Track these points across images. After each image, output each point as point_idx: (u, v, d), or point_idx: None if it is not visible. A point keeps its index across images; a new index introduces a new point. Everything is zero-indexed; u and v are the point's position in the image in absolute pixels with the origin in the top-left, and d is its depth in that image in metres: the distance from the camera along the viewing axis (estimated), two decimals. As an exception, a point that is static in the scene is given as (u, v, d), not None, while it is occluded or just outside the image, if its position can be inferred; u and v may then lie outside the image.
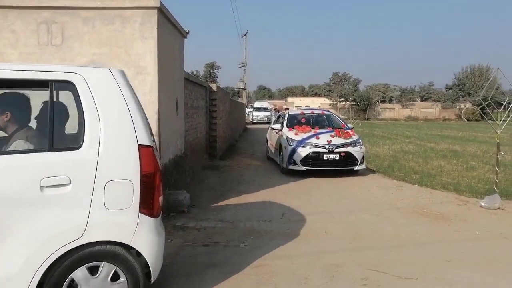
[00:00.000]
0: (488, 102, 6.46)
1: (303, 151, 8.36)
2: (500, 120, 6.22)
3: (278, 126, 9.85)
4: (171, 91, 5.60)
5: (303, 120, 9.73)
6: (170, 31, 5.51)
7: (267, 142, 11.36)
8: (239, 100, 34.78)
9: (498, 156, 6.31)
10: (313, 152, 8.34)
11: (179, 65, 6.15)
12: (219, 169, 9.16)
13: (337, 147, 8.36)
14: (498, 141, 6.24)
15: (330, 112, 11.12)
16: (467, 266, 3.74)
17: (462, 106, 45.43)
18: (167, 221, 4.90)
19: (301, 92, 79.57)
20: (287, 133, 9.00)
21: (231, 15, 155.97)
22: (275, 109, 33.27)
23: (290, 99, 59.77)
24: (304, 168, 8.31)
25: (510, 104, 6.21)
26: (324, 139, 8.54)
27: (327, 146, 8.35)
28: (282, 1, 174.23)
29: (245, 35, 44.64)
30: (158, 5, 4.69)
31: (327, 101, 52.35)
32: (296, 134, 8.84)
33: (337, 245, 4.24)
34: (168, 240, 4.25)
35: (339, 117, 11.13)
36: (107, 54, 4.78)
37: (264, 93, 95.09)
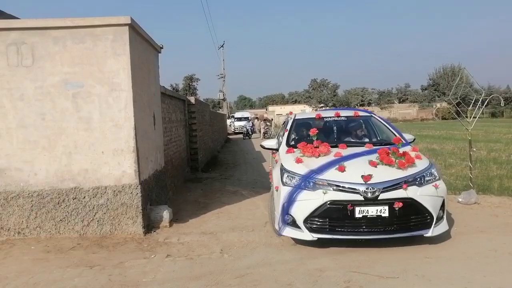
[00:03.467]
0: (458, 101, 6.68)
1: (310, 200, 4.19)
2: (471, 118, 6.42)
3: (272, 143, 5.82)
4: (148, 106, 5.59)
5: (315, 132, 5.24)
6: (143, 47, 5.52)
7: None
8: (220, 111, 34.83)
9: (471, 153, 6.50)
10: (332, 203, 4.12)
11: (154, 80, 6.15)
12: (202, 181, 9.13)
13: (386, 190, 4.11)
14: (469, 138, 6.44)
15: (370, 113, 6.15)
16: (445, 262, 3.83)
17: (438, 105, 46.62)
18: (150, 237, 4.86)
19: (281, 100, 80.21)
20: (283, 158, 4.96)
21: (207, 27, 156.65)
22: (256, 118, 31.81)
23: (271, 108, 60.17)
24: (314, 236, 4.20)
25: (478, 102, 6.43)
26: (357, 171, 4.28)
27: (362, 188, 4.10)
28: (257, 11, 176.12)
29: (222, 46, 44.94)
30: (129, 22, 4.71)
31: (307, 107, 52.82)
32: (298, 160, 4.66)
33: (320, 251, 4.28)
34: (151, 256, 4.22)
35: (386, 122, 5.89)
36: (79, 73, 4.75)
37: (244, 102, 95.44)
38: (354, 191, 4.13)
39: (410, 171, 4.34)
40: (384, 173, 4.27)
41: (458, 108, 6.93)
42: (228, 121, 35.04)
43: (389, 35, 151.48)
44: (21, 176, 4.80)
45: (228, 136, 29.39)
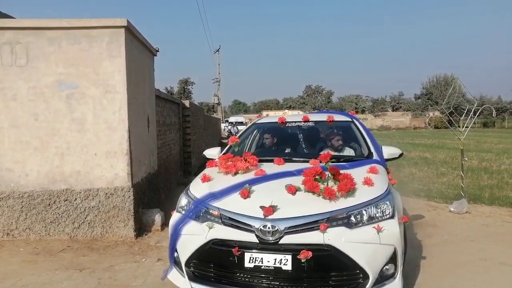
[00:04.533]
0: (451, 110, 6.75)
1: (194, 236, 3.04)
2: (463, 127, 6.48)
3: (215, 152, 4.41)
4: (142, 109, 5.57)
5: (235, 140, 4.23)
6: (139, 49, 5.51)
7: None
8: (214, 115, 34.83)
9: (463, 162, 6.55)
10: (216, 243, 2.93)
11: (149, 83, 6.14)
12: (194, 185, 9.06)
13: (292, 231, 2.80)
14: (461, 148, 6.50)
15: (352, 118, 4.75)
16: (436, 270, 3.85)
17: (431, 114, 47.06)
18: (141, 240, 4.82)
19: (276, 105, 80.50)
20: (197, 178, 3.72)
21: (203, 31, 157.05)
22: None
23: (265, 113, 60.30)
24: (193, 285, 3.05)
25: (471, 111, 6.50)
26: (264, 198, 3.00)
27: (258, 225, 2.83)
28: (252, 16, 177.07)
29: (217, 50, 45.03)
30: (125, 24, 4.70)
31: (301, 113, 53.03)
32: (205, 178, 3.52)
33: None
34: (142, 260, 4.19)
35: (364, 128, 4.55)
36: (74, 74, 4.73)
37: (239, 107, 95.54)
38: (248, 228, 2.83)
39: (343, 203, 2.92)
40: (299, 205, 2.91)
41: (450, 118, 7.00)
42: (222, 125, 35.11)
43: (385, 43, 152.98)
44: (11, 177, 4.74)
45: (222, 140, 29.36)
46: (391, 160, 4.06)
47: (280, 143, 4.66)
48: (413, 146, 19.30)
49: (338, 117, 4.71)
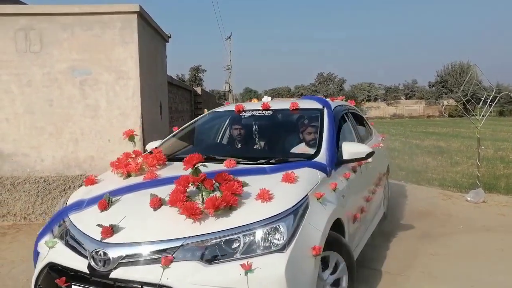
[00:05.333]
0: (468, 98, 6.59)
1: (41, 255, 2.41)
2: (480, 116, 6.34)
3: (155, 145, 3.64)
4: (154, 95, 5.57)
5: (131, 133, 3.30)
6: (151, 35, 5.48)
7: None
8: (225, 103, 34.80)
9: (479, 151, 6.43)
10: (52, 268, 2.25)
11: (161, 69, 6.12)
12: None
13: (126, 262, 2.05)
14: (478, 136, 6.37)
15: (324, 104, 3.59)
16: (451, 260, 3.80)
17: (445, 102, 46.27)
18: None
19: (287, 93, 79.97)
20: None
21: (215, 18, 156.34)
22: None
23: (276, 100, 60.01)
24: None
25: (489, 99, 6.34)
26: (117, 215, 2.27)
27: (91, 250, 2.12)
28: (265, 3, 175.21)
29: (229, 37, 44.72)
30: (138, 9, 4.67)
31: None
32: (89, 181, 2.88)
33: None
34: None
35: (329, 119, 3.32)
36: (87, 60, 4.73)
37: (250, 95, 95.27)
38: (83, 252, 2.20)
39: (210, 226, 2.09)
40: (150, 226, 2.17)
41: (467, 105, 6.85)
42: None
43: (399, 30, 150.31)
44: (27, 162, 4.81)
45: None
46: (356, 161, 3.10)
47: (232, 136, 3.83)
48: (426, 134, 19.04)
49: (306, 104, 3.69)
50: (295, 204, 2.25)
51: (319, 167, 2.74)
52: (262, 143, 3.65)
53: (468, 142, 14.19)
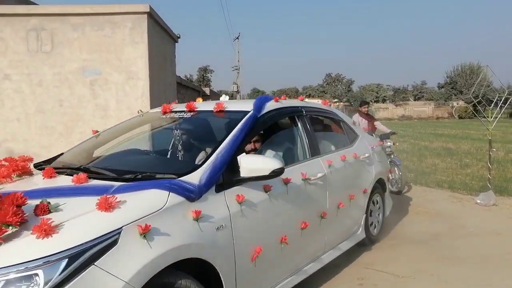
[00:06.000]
0: (479, 99, 6.51)
1: None
2: (491, 117, 6.27)
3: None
4: (164, 96, 5.59)
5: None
6: (161, 36, 5.50)
7: None
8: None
9: (490, 153, 6.35)
10: None
11: (171, 69, 6.14)
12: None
13: None
14: (490, 138, 6.29)
15: (256, 109, 2.88)
16: (462, 263, 3.75)
17: (454, 104, 45.78)
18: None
19: (295, 94, 79.87)
20: None
21: (223, 19, 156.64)
22: None
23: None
24: None
25: (500, 101, 6.26)
26: None
27: None
28: (274, 4, 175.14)
29: (237, 38, 44.76)
30: (148, 10, 4.70)
31: (321, 102, 52.39)
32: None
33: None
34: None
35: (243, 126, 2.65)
36: (97, 60, 4.77)
37: (258, 95, 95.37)
38: None
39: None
40: None
41: (479, 106, 6.77)
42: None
43: (407, 31, 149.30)
44: (38, 161, 4.84)
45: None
46: (258, 180, 2.38)
47: (157, 142, 3.40)
48: (435, 136, 18.86)
49: (237, 106, 3.14)
50: (85, 243, 1.62)
51: (179, 188, 2.04)
52: (172, 151, 3.22)
53: (478, 144, 14.03)
